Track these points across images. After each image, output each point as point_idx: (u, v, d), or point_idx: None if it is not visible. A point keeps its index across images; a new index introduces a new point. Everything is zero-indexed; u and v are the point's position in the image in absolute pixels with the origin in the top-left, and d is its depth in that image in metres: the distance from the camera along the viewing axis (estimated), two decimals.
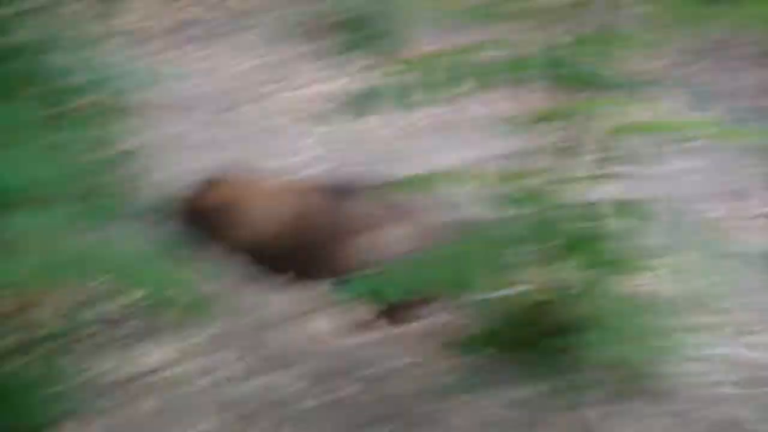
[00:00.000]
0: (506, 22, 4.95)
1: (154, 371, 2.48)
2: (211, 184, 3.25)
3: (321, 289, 3.07)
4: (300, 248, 3.10)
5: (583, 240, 2.31)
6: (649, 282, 2.72)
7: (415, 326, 3.04)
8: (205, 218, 3.17)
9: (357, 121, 4.17)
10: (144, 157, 3.25)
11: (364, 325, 2.95)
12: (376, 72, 2.13)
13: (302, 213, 3.13)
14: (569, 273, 2.85)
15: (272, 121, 4.12)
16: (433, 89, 2.10)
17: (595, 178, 2.55)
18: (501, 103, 4.65)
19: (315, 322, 2.78)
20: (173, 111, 4.06)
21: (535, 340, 2.63)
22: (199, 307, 1.74)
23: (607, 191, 3.81)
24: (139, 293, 2.40)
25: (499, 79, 2.10)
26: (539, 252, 2.50)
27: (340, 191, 3.16)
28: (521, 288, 2.68)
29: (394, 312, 3.00)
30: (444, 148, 4.22)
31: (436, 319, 3.05)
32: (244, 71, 4.60)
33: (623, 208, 2.24)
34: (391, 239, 3.03)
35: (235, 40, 4.94)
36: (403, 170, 3.86)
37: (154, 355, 2.51)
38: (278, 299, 2.86)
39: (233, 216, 3.17)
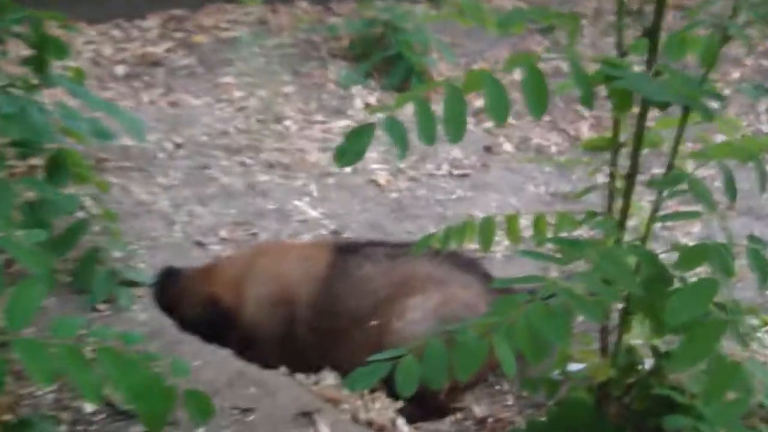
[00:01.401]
0: (537, 33, 5.05)
1: None
2: (176, 276, 3.28)
3: (326, 381, 3.04)
4: (297, 333, 3.13)
5: (657, 297, 2.20)
6: (743, 345, 2.60)
7: (450, 420, 2.96)
8: (179, 311, 3.20)
9: (364, 170, 4.26)
10: (112, 226, 3.28)
11: (384, 425, 2.85)
12: (385, 107, 2.05)
13: (301, 289, 3.13)
14: (644, 341, 2.76)
15: (258, 176, 4.10)
16: (456, 123, 2.01)
17: (667, 218, 2.47)
18: (541, 133, 4.83)
19: (322, 424, 2.68)
20: (138, 169, 4.04)
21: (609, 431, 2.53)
22: (198, 408, 1.68)
23: (683, 233, 3.83)
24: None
25: (540, 101, 2.00)
26: (604, 316, 2.40)
27: (344, 259, 3.16)
28: (584, 364, 2.58)
29: (423, 404, 2.91)
30: (472, 195, 4.19)
31: (478, 408, 2.98)
32: (222, 118, 4.59)
33: (705, 252, 2.14)
34: (413, 313, 3.01)
35: (208, 82, 4.95)
36: (422, 226, 4.00)
37: None
38: (274, 398, 2.76)
39: (215, 307, 3.19)
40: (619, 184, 2.41)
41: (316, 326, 3.10)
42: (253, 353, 3.04)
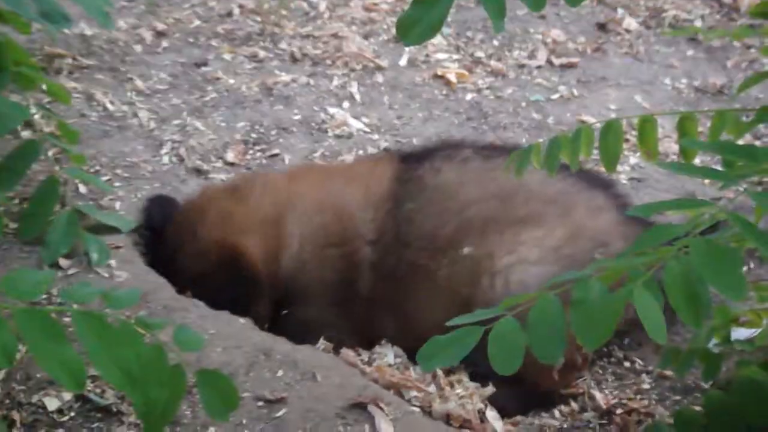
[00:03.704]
0: None
1: None
2: (171, 209, 3.32)
3: (385, 359, 3.06)
4: (359, 286, 3.16)
5: None
6: None
7: (561, 411, 2.98)
8: (176, 264, 3.22)
9: (426, 62, 4.23)
10: (73, 149, 3.28)
11: (468, 419, 2.86)
12: None
13: (360, 218, 3.16)
14: None
15: (277, 75, 4.09)
16: None
17: None
18: (679, 1, 4.74)
19: (382, 419, 2.69)
20: (107, 69, 4.05)
21: None
22: (217, 397, 1.69)
23: None
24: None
25: None
26: None
27: (415, 167, 3.17)
28: (757, 330, 2.57)
29: (523, 388, 2.93)
30: (582, 93, 4.17)
31: (601, 394, 2.98)
32: None
33: None
34: (526, 250, 3.02)
35: None
36: (512, 139, 3.98)
37: None
38: (313, 384, 2.77)
39: (218, 252, 3.21)
40: None
41: (385, 271, 3.10)
42: (295, 322, 3.09)
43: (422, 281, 3.04)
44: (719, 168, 2.49)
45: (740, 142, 3.54)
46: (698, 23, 4.58)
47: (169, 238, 3.23)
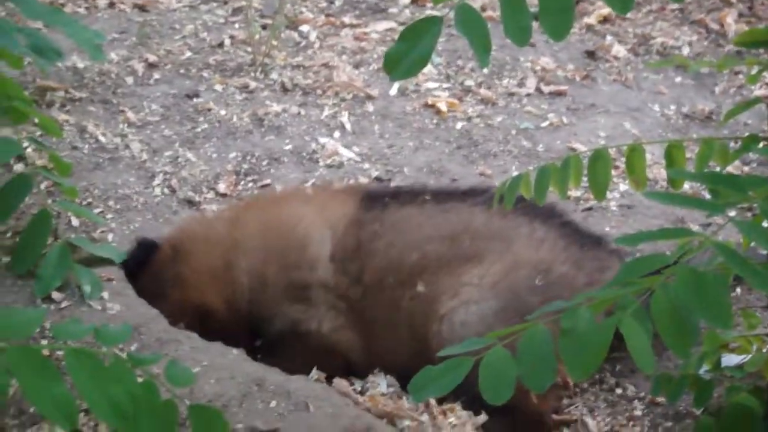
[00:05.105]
0: None
1: None
2: (150, 253, 3.31)
3: (377, 389, 3.06)
4: (301, 285, 3.20)
5: None
6: None
7: None
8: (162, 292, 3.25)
9: (416, 92, 4.23)
10: (65, 182, 3.28)
11: None
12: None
13: (315, 232, 3.20)
14: None
15: (268, 105, 4.09)
16: (560, 8, 1.98)
17: None
18: (667, 29, 4.75)
19: None
20: (98, 101, 4.05)
21: None
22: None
23: None
24: None
25: None
26: None
27: (377, 201, 3.23)
28: (746, 356, 2.57)
29: (514, 415, 2.92)
30: (572, 121, 4.19)
31: (593, 421, 2.98)
32: (212, 24, 4.59)
33: None
34: (467, 292, 3.05)
35: None
36: (502, 168, 3.99)
37: None
38: (306, 414, 2.77)
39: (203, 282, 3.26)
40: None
41: (347, 285, 3.16)
42: (276, 337, 3.16)
43: (386, 308, 3.14)
44: (707, 194, 2.51)
45: (729, 168, 3.58)
46: (686, 50, 4.59)
47: (144, 290, 3.25)
